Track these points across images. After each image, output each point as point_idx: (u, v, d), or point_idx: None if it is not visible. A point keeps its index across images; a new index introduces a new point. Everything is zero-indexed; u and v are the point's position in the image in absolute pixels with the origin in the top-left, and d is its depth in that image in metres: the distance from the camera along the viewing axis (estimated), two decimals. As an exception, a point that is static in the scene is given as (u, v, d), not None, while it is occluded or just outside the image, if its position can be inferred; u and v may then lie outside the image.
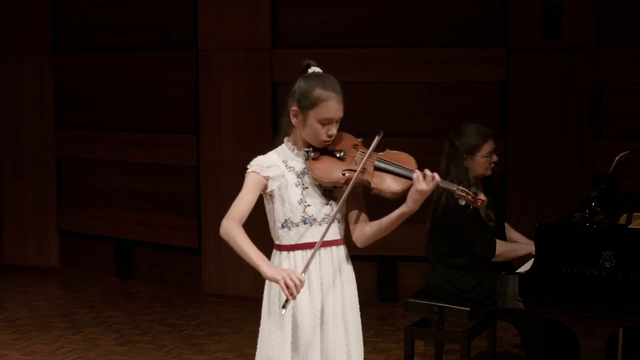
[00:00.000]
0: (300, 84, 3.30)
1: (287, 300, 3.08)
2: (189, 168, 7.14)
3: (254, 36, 6.82)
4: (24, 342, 5.90)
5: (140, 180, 7.45)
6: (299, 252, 3.30)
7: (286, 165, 3.31)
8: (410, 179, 3.23)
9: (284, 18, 6.79)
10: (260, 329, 3.37)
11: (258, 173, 3.30)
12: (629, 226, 4.25)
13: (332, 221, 3.27)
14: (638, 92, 6.21)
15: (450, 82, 6.54)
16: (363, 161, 3.23)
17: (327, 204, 3.31)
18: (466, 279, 4.61)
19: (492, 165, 4.68)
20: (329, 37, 6.67)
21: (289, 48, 6.74)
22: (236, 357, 5.59)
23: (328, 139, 3.28)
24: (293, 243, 3.31)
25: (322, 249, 3.29)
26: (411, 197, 3.22)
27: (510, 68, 6.48)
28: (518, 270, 4.12)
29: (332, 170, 3.27)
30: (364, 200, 3.40)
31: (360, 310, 3.45)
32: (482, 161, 4.62)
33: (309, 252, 3.27)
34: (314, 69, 3.34)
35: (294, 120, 3.30)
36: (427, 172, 3.21)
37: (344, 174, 3.26)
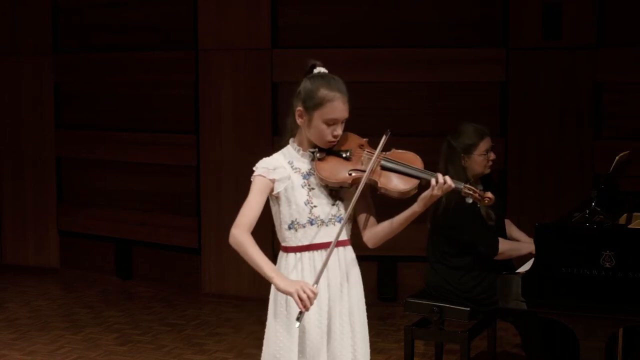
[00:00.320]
0: (305, 85, 3.29)
1: (300, 313, 3.09)
2: (189, 168, 7.14)
3: (254, 36, 6.82)
4: (24, 342, 5.90)
5: (140, 180, 7.45)
6: (305, 254, 3.30)
7: (292, 167, 3.30)
8: (417, 178, 3.23)
9: (284, 18, 6.79)
10: (266, 330, 3.37)
11: (264, 176, 3.29)
12: (629, 226, 4.25)
13: (345, 223, 3.26)
14: (638, 92, 6.21)
15: (450, 82, 6.54)
16: (372, 162, 3.22)
17: (333, 204, 3.30)
18: (466, 279, 4.61)
19: (490, 163, 4.68)
20: (329, 37, 6.67)
21: (289, 48, 6.75)
22: (236, 357, 5.59)
23: (333, 139, 3.28)
24: (300, 244, 3.30)
25: (329, 250, 3.29)
26: (423, 199, 3.23)
27: (510, 68, 6.48)
28: (518, 270, 4.12)
29: (339, 170, 3.26)
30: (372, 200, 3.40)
31: (361, 311, 3.45)
32: (479, 159, 4.63)
33: (316, 253, 3.28)
34: (319, 70, 3.34)
35: (299, 121, 3.30)
36: (440, 178, 3.20)
37: (350, 174, 3.25)
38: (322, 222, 3.28)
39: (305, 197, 3.28)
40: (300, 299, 3.06)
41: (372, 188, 3.30)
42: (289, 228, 3.30)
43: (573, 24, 6.30)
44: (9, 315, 6.57)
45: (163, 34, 7.25)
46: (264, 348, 3.37)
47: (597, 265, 3.68)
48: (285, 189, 3.28)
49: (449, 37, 6.55)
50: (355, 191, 3.23)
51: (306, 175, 3.30)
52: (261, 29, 6.79)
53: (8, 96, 8.03)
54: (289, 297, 3.18)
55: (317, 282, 3.15)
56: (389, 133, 3.26)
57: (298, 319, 3.10)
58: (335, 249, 3.29)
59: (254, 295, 6.86)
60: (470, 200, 3.27)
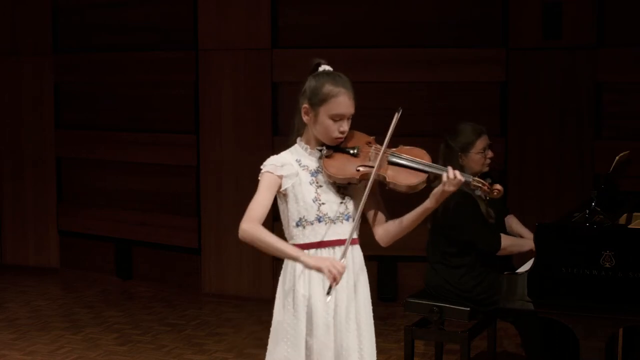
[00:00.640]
0: (310, 82, 3.31)
1: (330, 287, 3.12)
2: (189, 168, 7.14)
3: (254, 36, 6.82)
4: (24, 342, 5.90)
5: (140, 180, 7.45)
6: (312, 251, 3.28)
7: (300, 164, 3.30)
8: (424, 172, 3.24)
9: (284, 18, 6.79)
10: (272, 328, 3.36)
11: (272, 172, 3.28)
12: (629, 226, 4.25)
13: (359, 219, 3.26)
14: (638, 92, 6.21)
15: (450, 82, 6.54)
16: (380, 155, 3.23)
17: (341, 202, 3.30)
18: (466, 279, 4.61)
19: (489, 161, 4.68)
20: (329, 37, 6.67)
21: (289, 48, 6.75)
22: (236, 357, 5.59)
23: (340, 135, 3.28)
24: (308, 242, 3.29)
25: (337, 248, 3.29)
26: (435, 195, 3.24)
27: (510, 68, 6.48)
28: (518, 271, 4.13)
29: (346, 166, 3.27)
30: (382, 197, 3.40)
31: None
32: (476, 158, 4.63)
33: (324, 250, 3.28)
34: (324, 67, 3.36)
35: (305, 118, 3.30)
36: (451, 173, 3.20)
37: (358, 170, 3.26)
38: (330, 219, 3.28)
39: (313, 195, 3.27)
40: (331, 273, 3.08)
41: (380, 184, 3.30)
42: (297, 225, 3.29)
43: (573, 24, 6.30)
44: (9, 315, 6.57)
45: (163, 34, 7.25)
46: (269, 346, 3.36)
47: (597, 265, 3.68)
48: (293, 186, 3.28)
49: (449, 37, 6.55)
50: (363, 188, 3.23)
51: (314, 173, 3.30)
52: (261, 29, 6.80)
53: (8, 96, 8.03)
54: (296, 294, 3.22)
55: (344, 256, 3.16)
56: (401, 111, 3.27)
57: (328, 293, 3.14)
58: (344, 247, 3.28)
59: (254, 295, 6.87)
60: (479, 193, 3.28)
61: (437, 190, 3.24)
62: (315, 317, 3.26)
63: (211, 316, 6.52)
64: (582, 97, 6.33)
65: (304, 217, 3.27)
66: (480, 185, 3.25)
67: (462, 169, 4.54)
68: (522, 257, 4.62)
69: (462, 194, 4.25)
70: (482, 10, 6.52)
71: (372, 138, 3.36)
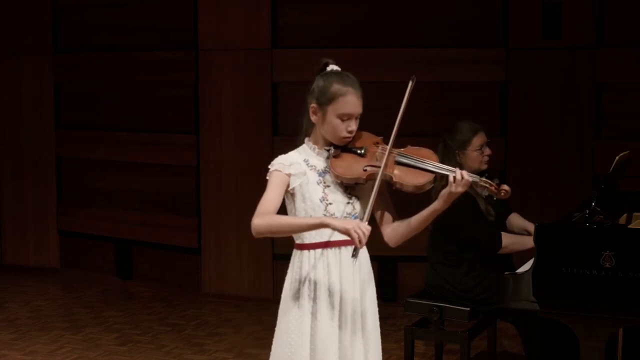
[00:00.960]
0: (318, 82, 3.31)
1: (355, 249, 3.12)
2: (189, 168, 7.14)
3: (254, 36, 6.82)
4: (24, 342, 5.90)
5: (140, 180, 7.45)
6: (319, 251, 3.28)
7: (307, 164, 3.30)
8: (431, 172, 3.24)
9: (284, 18, 6.79)
10: (277, 328, 3.36)
11: (280, 171, 3.27)
12: (629, 226, 4.25)
13: (367, 219, 3.23)
14: (638, 92, 6.21)
15: (450, 82, 6.54)
16: (386, 154, 3.23)
17: (349, 202, 3.30)
18: (466, 279, 4.61)
19: (487, 159, 4.68)
20: (329, 37, 6.67)
21: (289, 48, 6.75)
22: (236, 357, 5.59)
23: (348, 135, 3.28)
24: (314, 241, 3.29)
25: (343, 248, 3.29)
26: (443, 196, 3.23)
27: (510, 68, 6.48)
28: (518, 271, 4.12)
29: (353, 166, 3.27)
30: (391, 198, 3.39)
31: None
32: (474, 155, 4.64)
33: (330, 250, 3.27)
34: (332, 67, 3.36)
35: (313, 118, 3.31)
36: (458, 174, 3.19)
37: (365, 170, 3.25)
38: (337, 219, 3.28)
39: (320, 194, 3.27)
40: (357, 235, 3.06)
41: (387, 184, 3.30)
42: None
43: (573, 24, 6.30)
44: (9, 315, 6.57)
45: (163, 34, 7.25)
46: (274, 346, 3.36)
47: (597, 265, 3.68)
48: (301, 185, 3.27)
49: (449, 37, 6.55)
50: (371, 189, 3.23)
51: (322, 173, 3.30)
52: (261, 29, 6.80)
53: (8, 96, 8.03)
54: (302, 295, 3.23)
55: (366, 220, 3.15)
56: (415, 79, 3.28)
57: (353, 255, 3.14)
58: (349, 248, 3.27)
59: (254, 295, 6.87)
60: (487, 193, 3.27)
61: (445, 191, 3.23)
62: (319, 318, 3.25)
63: (211, 316, 6.52)
64: (582, 97, 6.33)
65: (310, 216, 3.27)
66: (487, 185, 3.24)
67: (460, 168, 4.55)
68: (523, 256, 4.61)
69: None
70: (482, 10, 6.52)
71: (380, 138, 3.36)
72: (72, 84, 7.79)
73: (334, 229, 3.13)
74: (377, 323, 3.39)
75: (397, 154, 3.28)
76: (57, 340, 5.94)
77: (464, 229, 4.56)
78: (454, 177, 3.19)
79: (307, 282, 3.27)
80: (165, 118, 7.27)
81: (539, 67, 6.41)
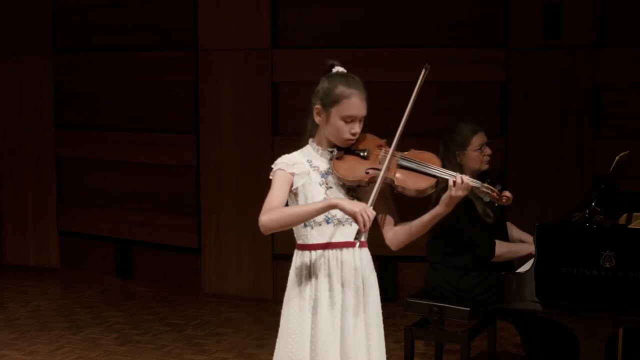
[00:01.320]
0: (323, 83, 3.32)
1: (358, 232, 3.14)
2: (189, 168, 7.14)
3: (254, 36, 6.82)
4: (24, 342, 5.90)
5: (140, 180, 7.45)
6: (319, 252, 3.28)
7: (310, 165, 3.31)
8: (434, 177, 3.24)
9: (284, 18, 6.79)
10: (279, 328, 3.36)
11: (284, 170, 3.28)
12: (629, 226, 4.25)
13: (373, 204, 3.25)
14: (638, 92, 6.21)
15: (450, 82, 6.54)
16: (388, 157, 3.23)
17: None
18: (466, 279, 4.61)
19: (487, 159, 4.68)
20: (329, 37, 6.67)
21: (289, 48, 6.75)
22: (236, 357, 5.59)
23: (351, 137, 3.28)
24: (315, 242, 3.29)
25: (345, 250, 3.29)
26: (444, 200, 3.23)
27: (510, 68, 6.48)
28: (518, 271, 4.12)
29: (356, 168, 3.27)
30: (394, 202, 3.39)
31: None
32: (474, 155, 4.64)
33: (331, 252, 3.27)
34: (338, 69, 3.37)
35: (317, 119, 3.31)
36: (459, 178, 3.19)
37: (367, 172, 3.26)
38: (339, 221, 3.28)
39: (322, 195, 3.27)
40: (363, 219, 3.07)
41: (390, 188, 3.30)
42: (305, 225, 3.29)
43: (573, 24, 6.30)
44: (9, 315, 6.57)
45: (163, 34, 7.25)
46: (277, 345, 3.37)
47: (597, 265, 3.68)
48: (304, 185, 3.28)
49: (449, 37, 6.55)
50: (372, 191, 3.22)
51: (324, 174, 3.30)
52: (261, 29, 6.79)
53: (8, 96, 8.03)
54: (303, 295, 3.24)
55: (372, 204, 3.15)
56: (428, 68, 3.28)
57: (356, 238, 3.17)
58: (351, 249, 3.29)
59: (254, 295, 6.86)
60: (488, 199, 3.27)
61: (445, 195, 3.22)
62: (320, 319, 3.25)
63: (211, 316, 6.52)
64: (582, 97, 6.33)
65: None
66: (489, 192, 3.23)
67: (460, 168, 4.56)
68: (522, 257, 4.62)
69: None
70: (482, 10, 6.52)
71: (383, 141, 3.36)
72: (72, 84, 7.79)
73: (342, 209, 3.13)
74: (381, 326, 3.38)
75: (400, 158, 3.28)
76: (57, 340, 5.94)
77: (463, 233, 4.56)
78: (454, 181, 3.19)
79: (308, 283, 3.28)
80: (165, 118, 7.27)
81: (539, 67, 6.41)
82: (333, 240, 3.28)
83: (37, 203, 8.00)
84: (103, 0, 7.55)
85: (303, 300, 3.27)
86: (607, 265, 3.67)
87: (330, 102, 3.26)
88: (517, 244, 4.78)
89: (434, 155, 3.33)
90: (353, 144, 3.32)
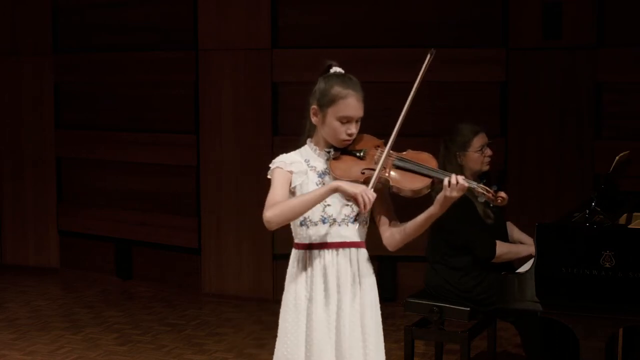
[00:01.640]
0: (320, 84, 3.32)
1: (358, 214, 3.23)
2: (189, 168, 7.14)
3: (254, 36, 6.82)
4: (24, 342, 5.90)
5: (140, 180, 7.45)
6: (315, 252, 3.28)
7: (308, 165, 3.31)
8: (429, 177, 3.24)
9: (284, 18, 6.79)
10: (279, 328, 3.37)
11: (282, 168, 3.29)
12: (629, 226, 4.25)
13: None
14: (638, 92, 6.21)
15: (450, 82, 6.54)
16: (383, 157, 3.23)
17: (347, 204, 3.29)
18: (466, 279, 4.61)
19: (488, 159, 4.67)
20: (329, 37, 6.67)
21: (289, 48, 6.75)
22: (236, 357, 5.59)
23: (348, 137, 3.29)
24: (310, 242, 3.29)
25: (341, 250, 3.29)
26: (439, 201, 3.22)
27: (510, 68, 6.48)
28: (518, 270, 4.12)
29: (352, 169, 3.27)
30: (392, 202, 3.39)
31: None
32: (475, 156, 4.63)
33: (326, 252, 3.27)
34: (336, 69, 3.37)
35: (314, 119, 3.31)
36: (453, 178, 3.18)
37: (363, 173, 3.26)
38: (335, 221, 3.28)
39: None
40: (363, 201, 3.09)
41: (385, 187, 3.30)
42: (301, 224, 3.29)
43: (573, 24, 6.30)
44: (9, 315, 6.57)
45: (163, 34, 7.25)
46: (276, 344, 3.37)
47: (597, 265, 3.68)
48: (301, 185, 3.28)
49: (449, 37, 6.55)
50: None
51: (321, 174, 3.31)
52: (261, 29, 6.79)
53: (8, 96, 8.03)
54: (298, 291, 3.26)
55: (373, 187, 3.16)
56: (434, 53, 3.29)
57: (355, 220, 3.25)
58: (347, 250, 3.30)
59: (254, 295, 6.87)
60: (483, 200, 3.27)
61: (440, 196, 3.22)
62: (315, 319, 3.25)
63: (211, 316, 6.52)
64: (582, 97, 6.33)
65: (308, 217, 3.27)
66: (484, 192, 3.23)
67: (461, 169, 4.56)
68: (522, 257, 4.62)
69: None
70: (482, 10, 6.52)
71: (381, 142, 3.36)
72: (72, 84, 7.79)
73: (344, 191, 3.15)
74: (379, 325, 3.37)
75: (396, 158, 3.28)
76: (57, 340, 5.94)
77: (461, 234, 4.56)
78: (449, 182, 3.18)
79: (303, 283, 3.29)
80: (165, 118, 7.27)
81: (539, 67, 6.41)
82: (329, 241, 3.28)
83: (37, 203, 8.00)
84: (103, 0, 7.55)
85: (299, 300, 3.27)
86: (607, 265, 3.67)
87: (327, 102, 3.26)
88: (518, 245, 4.77)
89: (431, 156, 3.33)
90: (350, 144, 3.32)
